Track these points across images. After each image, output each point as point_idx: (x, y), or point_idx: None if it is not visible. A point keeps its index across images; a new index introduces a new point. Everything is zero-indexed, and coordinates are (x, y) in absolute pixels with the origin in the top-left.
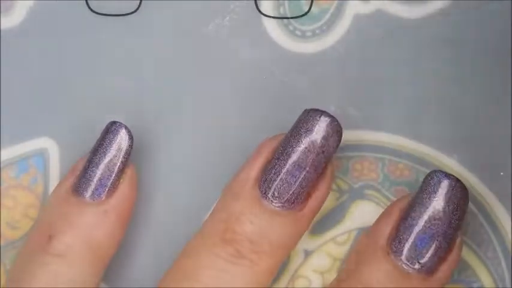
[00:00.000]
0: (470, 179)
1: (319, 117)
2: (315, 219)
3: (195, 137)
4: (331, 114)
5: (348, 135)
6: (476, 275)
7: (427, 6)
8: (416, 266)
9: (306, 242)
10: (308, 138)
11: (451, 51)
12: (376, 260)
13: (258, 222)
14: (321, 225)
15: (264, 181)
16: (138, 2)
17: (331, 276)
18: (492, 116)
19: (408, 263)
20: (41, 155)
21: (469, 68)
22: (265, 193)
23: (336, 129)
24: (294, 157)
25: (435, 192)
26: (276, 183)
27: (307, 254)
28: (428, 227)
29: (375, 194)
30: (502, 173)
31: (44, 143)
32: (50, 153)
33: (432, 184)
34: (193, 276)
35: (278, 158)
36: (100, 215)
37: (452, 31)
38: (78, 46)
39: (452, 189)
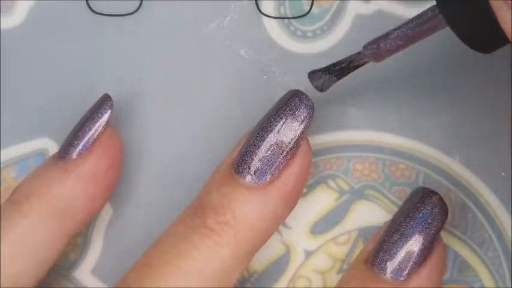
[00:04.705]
0: (471, 179)
1: (289, 95)
2: (315, 218)
3: (194, 136)
4: (302, 92)
5: (348, 135)
6: (477, 275)
7: (427, 6)
8: (389, 272)
9: (307, 242)
10: (277, 112)
11: (451, 50)
12: (353, 269)
13: (223, 191)
14: (322, 225)
15: (238, 156)
16: (138, 2)
17: (332, 277)
18: (493, 116)
19: (382, 270)
20: (41, 155)
21: (470, 68)
22: (236, 166)
23: (305, 102)
24: (264, 132)
25: (412, 211)
26: (246, 157)
27: (308, 254)
28: (399, 237)
29: (376, 194)
30: (503, 174)
31: (44, 143)
32: (51, 154)
33: (411, 204)
34: (159, 242)
35: (252, 133)
36: (61, 171)
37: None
38: (78, 46)
39: (433, 210)
